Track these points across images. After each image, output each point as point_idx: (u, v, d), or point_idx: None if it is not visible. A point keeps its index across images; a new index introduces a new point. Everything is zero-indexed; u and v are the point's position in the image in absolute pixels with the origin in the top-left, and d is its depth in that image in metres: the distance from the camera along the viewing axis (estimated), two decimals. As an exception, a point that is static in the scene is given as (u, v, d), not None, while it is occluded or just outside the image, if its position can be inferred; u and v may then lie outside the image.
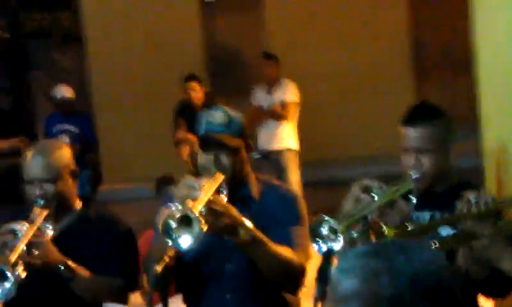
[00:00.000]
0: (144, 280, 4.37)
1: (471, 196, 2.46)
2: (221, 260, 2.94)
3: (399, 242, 1.55)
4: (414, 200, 2.58)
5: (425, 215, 2.72)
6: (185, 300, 3.03)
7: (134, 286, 3.05)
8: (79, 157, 8.07)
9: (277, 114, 7.82)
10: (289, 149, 7.81)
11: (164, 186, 5.08)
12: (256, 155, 7.48)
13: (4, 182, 12.00)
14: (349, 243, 2.37)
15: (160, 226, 2.52)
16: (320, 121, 10.86)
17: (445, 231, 2.56)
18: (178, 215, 2.52)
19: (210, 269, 2.95)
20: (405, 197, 2.57)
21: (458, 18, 4.64)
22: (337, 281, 1.37)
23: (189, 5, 11.42)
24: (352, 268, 1.36)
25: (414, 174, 2.71)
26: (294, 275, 2.88)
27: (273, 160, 7.70)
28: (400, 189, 2.59)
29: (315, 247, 2.42)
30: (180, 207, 2.54)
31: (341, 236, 2.34)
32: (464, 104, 4.36)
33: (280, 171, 7.48)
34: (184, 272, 2.97)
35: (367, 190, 2.55)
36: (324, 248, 2.39)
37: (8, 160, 15.08)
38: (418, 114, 2.83)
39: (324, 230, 2.39)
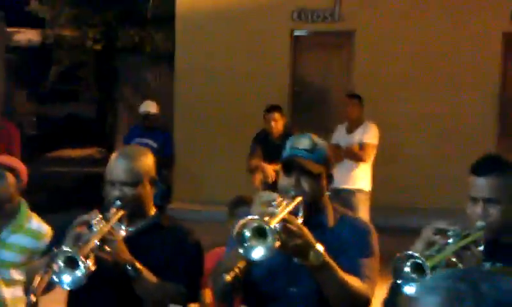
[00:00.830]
0: (206, 295, 4.40)
1: None
2: (287, 282, 2.95)
3: (484, 270, 1.54)
4: (481, 249, 2.55)
5: (486, 266, 2.67)
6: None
7: (195, 297, 3.08)
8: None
9: (354, 155, 7.80)
10: (361, 191, 7.78)
11: (238, 207, 5.09)
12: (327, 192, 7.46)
13: (80, 190, 12.36)
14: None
15: (234, 234, 2.55)
16: (399, 167, 10.80)
17: None
18: (253, 226, 2.54)
19: (274, 290, 2.96)
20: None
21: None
22: (420, 298, 1.38)
23: (281, 37, 11.56)
24: (437, 288, 1.37)
25: (481, 224, 2.71)
26: (358, 305, 2.86)
27: (344, 199, 7.66)
28: (472, 236, 2.57)
29: (399, 282, 2.39)
30: (256, 218, 2.56)
31: (429, 273, 2.31)
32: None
33: (350, 211, 7.41)
34: (250, 289, 2.99)
35: (440, 233, 2.54)
36: (410, 288, 2.36)
37: (83, 170, 15.52)
38: (488, 165, 2.82)
39: (407, 267, 2.38)
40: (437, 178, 10.44)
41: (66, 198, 10.08)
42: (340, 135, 8.11)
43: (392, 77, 11.01)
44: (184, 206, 11.00)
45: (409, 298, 2.41)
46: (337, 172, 7.87)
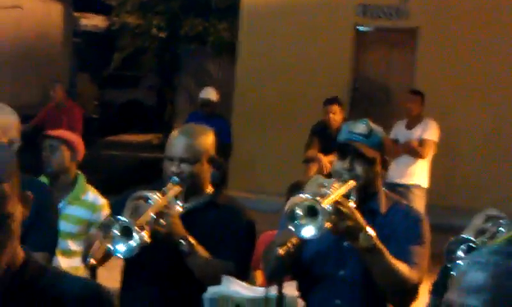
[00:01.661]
0: (257, 276, 4.44)
1: None
2: (336, 265, 2.98)
3: None
4: None
5: None
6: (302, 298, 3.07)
7: (244, 275, 3.12)
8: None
9: (413, 150, 7.75)
10: (418, 186, 7.73)
11: (296, 191, 5.10)
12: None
13: (137, 174, 12.56)
14: None
15: (286, 211, 2.57)
16: (457, 167, 10.68)
17: None
18: (305, 204, 2.56)
19: (324, 272, 2.99)
20: None
21: None
22: (466, 272, 1.37)
23: (344, 32, 11.53)
24: (485, 263, 1.35)
25: None
26: (406, 291, 2.87)
27: (400, 194, 7.57)
28: None
29: (450, 265, 2.39)
30: (308, 196, 2.58)
31: None
32: None
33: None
34: (300, 270, 3.01)
35: (491, 220, 2.53)
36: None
37: (141, 154, 15.76)
38: None
39: (460, 251, 2.37)
40: (495, 180, 10.27)
41: (122, 181, 10.25)
42: (399, 131, 8.07)
43: (454, 76, 10.87)
44: (238, 194, 11.05)
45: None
46: (394, 167, 7.90)
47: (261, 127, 11.68)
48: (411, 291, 2.88)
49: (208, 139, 3.28)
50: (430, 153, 7.81)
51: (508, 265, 1.34)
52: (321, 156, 7.76)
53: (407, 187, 7.73)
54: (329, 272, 2.98)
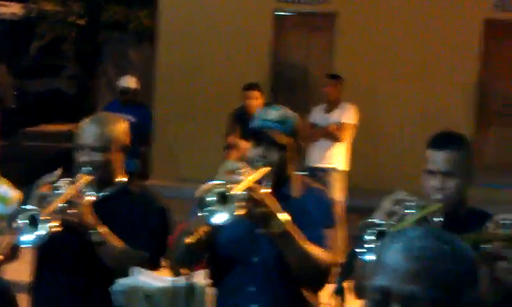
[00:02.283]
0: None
1: (501, 218, 2.45)
2: (250, 251, 2.97)
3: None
4: (440, 220, 2.59)
5: None
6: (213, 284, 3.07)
7: (158, 263, 3.09)
8: (131, 147, 8.29)
9: (331, 134, 7.83)
10: (337, 170, 7.81)
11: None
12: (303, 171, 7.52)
13: (56, 165, 12.30)
14: None
15: (197, 198, 2.55)
16: (377, 150, 10.88)
17: None
18: (216, 191, 2.55)
19: (237, 258, 2.98)
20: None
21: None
22: (397, 258, 1.43)
23: (264, 17, 11.54)
24: (415, 248, 1.44)
25: (438, 197, 2.76)
26: (319, 275, 2.89)
27: (319, 178, 7.69)
28: (430, 208, 2.60)
29: (359, 250, 2.41)
30: (220, 183, 2.57)
31: None
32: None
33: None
34: (214, 256, 3.01)
35: (399, 204, 2.57)
36: (370, 256, 2.38)
37: (61, 145, 15.47)
38: (445, 139, 2.88)
39: (369, 236, 2.40)
40: (414, 162, 10.47)
41: (42, 172, 10.04)
42: (318, 115, 8.13)
43: (373, 60, 11.04)
44: (161, 182, 10.98)
45: (366, 264, 2.45)
46: (314, 151, 8.00)
47: (183, 114, 11.61)
48: (325, 274, 2.90)
49: (119, 127, 3.23)
50: (348, 136, 7.90)
51: (439, 248, 1.42)
52: (242, 142, 7.75)
53: (326, 171, 7.81)
54: (242, 258, 2.97)
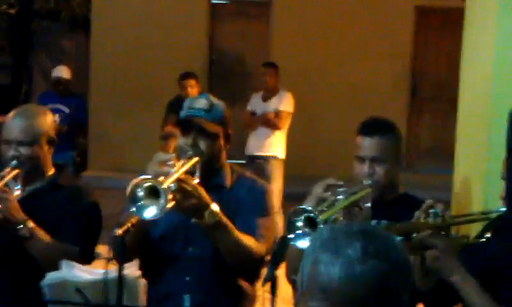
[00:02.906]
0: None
1: (429, 207, 2.50)
2: (184, 243, 2.96)
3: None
4: (369, 206, 2.63)
5: (372, 224, 2.75)
6: (146, 277, 3.04)
7: (89, 257, 3.05)
8: (66, 138, 8.17)
9: (269, 122, 7.85)
10: (276, 158, 7.84)
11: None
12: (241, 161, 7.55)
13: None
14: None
15: (127, 193, 2.53)
16: (312, 137, 10.97)
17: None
18: (146, 185, 2.52)
19: (172, 250, 2.98)
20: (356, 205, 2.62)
21: (455, 56, 4.71)
22: (339, 285, 1.42)
23: (199, 5, 11.49)
24: (359, 274, 1.42)
25: (367, 182, 2.81)
26: (253, 264, 2.90)
27: (258, 166, 7.72)
28: (359, 193, 2.64)
29: (291, 236, 2.42)
30: (149, 178, 2.54)
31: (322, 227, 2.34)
32: (452, 140, 4.43)
33: (264, 178, 7.46)
34: (149, 248, 2.99)
35: (330, 190, 2.59)
36: (302, 241, 2.39)
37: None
38: (374, 125, 2.94)
39: (300, 222, 2.41)
40: (348, 149, 10.58)
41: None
42: (255, 103, 8.13)
43: (308, 47, 11.11)
44: (99, 173, 10.88)
45: (298, 250, 2.47)
46: (252, 139, 8.01)
47: (119, 104, 11.49)
48: (259, 263, 2.91)
49: (46, 120, 3.17)
50: (286, 124, 7.94)
51: (380, 270, 1.42)
52: (178, 132, 7.71)
53: (265, 159, 7.82)
54: (177, 250, 2.96)
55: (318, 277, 1.41)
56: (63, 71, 8.78)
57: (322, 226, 2.36)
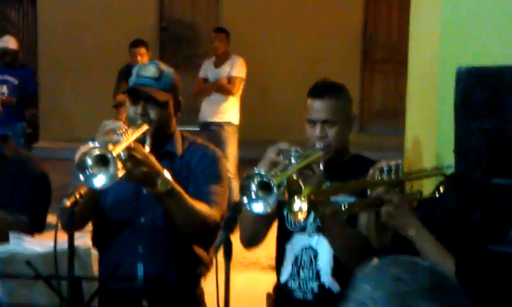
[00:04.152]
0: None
1: (384, 164, 2.51)
2: (136, 211, 2.93)
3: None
4: (322, 168, 2.63)
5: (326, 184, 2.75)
6: (97, 246, 3.01)
7: (40, 227, 3.01)
8: (16, 110, 8.04)
9: (222, 88, 7.82)
10: (229, 124, 7.82)
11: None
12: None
13: None
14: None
15: (76, 162, 2.48)
16: (265, 102, 10.97)
17: (348, 199, 2.64)
18: (95, 153, 2.48)
19: (124, 219, 2.94)
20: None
21: (406, 18, 4.73)
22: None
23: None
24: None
25: (319, 145, 2.81)
26: (207, 231, 2.88)
27: (212, 133, 7.70)
28: (312, 156, 2.64)
29: (245, 201, 2.40)
30: (98, 146, 2.50)
31: (276, 191, 2.33)
32: (404, 101, 4.46)
33: (219, 144, 7.47)
34: (100, 218, 2.96)
35: (283, 154, 2.58)
36: (257, 205, 2.38)
37: None
38: (324, 88, 2.93)
39: (254, 186, 2.39)
40: (301, 113, 10.62)
41: None
42: (208, 70, 8.08)
43: (259, 12, 11.05)
44: (52, 144, 10.76)
45: (251, 215, 2.46)
46: (205, 106, 7.98)
47: (69, 74, 11.32)
48: (213, 229, 2.89)
49: None
50: (239, 89, 7.91)
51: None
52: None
53: (219, 125, 7.80)
54: (129, 219, 2.93)
55: None
56: (9, 42, 8.59)
57: (275, 189, 2.34)
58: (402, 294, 1.16)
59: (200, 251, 3.00)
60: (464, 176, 1.76)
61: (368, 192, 2.54)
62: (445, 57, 3.38)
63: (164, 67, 2.98)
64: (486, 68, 1.74)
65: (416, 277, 1.19)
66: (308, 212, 2.33)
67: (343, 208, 2.47)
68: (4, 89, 8.14)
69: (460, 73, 1.79)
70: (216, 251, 2.33)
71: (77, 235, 2.45)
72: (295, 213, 2.32)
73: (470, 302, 1.22)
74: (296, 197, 2.31)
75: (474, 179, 1.71)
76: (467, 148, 1.74)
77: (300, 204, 2.29)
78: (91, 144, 2.51)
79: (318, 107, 2.87)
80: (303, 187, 2.30)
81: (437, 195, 2.69)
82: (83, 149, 2.50)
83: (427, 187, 2.98)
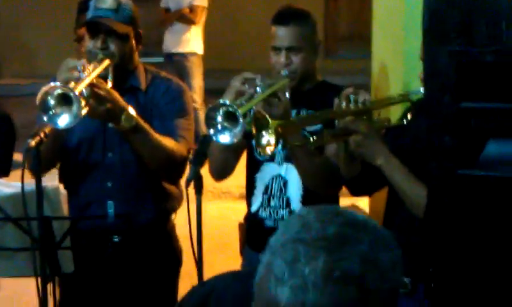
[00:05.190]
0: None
1: (350, 93, 2.50)
2: (103, 149, 2.89)
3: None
4: (288, 96, 2.61)
5: (292, 114, 2.74)
6: (66, 185, 2.97)
7: (6, 168, 2.97)
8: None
9: (184, 17, 7.69)
10: (194, 53, 7.72)
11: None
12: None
13: None
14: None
15: (37, 102, 2.42)
16: (229, 31, 10.83)
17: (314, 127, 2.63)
18: (57, 93, 2.42)
19: (92, 157, 2.90)
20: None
21: None
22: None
23: None
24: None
25: (285, 72, 2.78)
26: (174, 165, 2.86)
27: (177, 63, 7.61)
28: (277, 84, 2.62)
29: (211, 132, 2.38)
30: (59, 85, 2.44)
31: (242, 121, 2.31)
32: (369, 25, 4.41)
33: (184, 75, 7.39)
34: (67, 157, 2.92)
35: (248, 83, 2.55)
36: (223, 136, 2.35)
37: None
38: (289, 14, 2.88)
39: (219, 117, 2.37)
40: (267, 40, 10.53)
41: None
42: (170, -1, 7.93)
43: None
44: (14, 81, 10.61)
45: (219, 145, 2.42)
46: (168, 37, 7.85)
47: (29, 6, 11.05)
48: (181, 164, 2.87)
49: None
50: (201, 17, 7.78)
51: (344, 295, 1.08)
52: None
53: (184, 55, 7.69)
54: (96, 156, 2.89)
55: (266, 291, 1.11)
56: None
57: (241, 119, 2.32)
58: (299, 240, 1.10)
59: (169, 186, 2.98)
60: (433, 101, 1.74)
61: (336, 122, 2.53)
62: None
63: None
64: (454, -11, 1.71)
65: (324, 227, 1.11)
66: (276, 144, 2.31)
67: (311, 140, 2.46)
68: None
69: (428, -6, 1.75)
70: (187, 185, 2.32)
71: (45, 175, 2.42)
72: (263, 147, 2.30)
73: (394, 256, 1.13)
74: (263, 131, 2.28)
75: (443, 103, 1.70)
76: (436, 71, 1.72)
77: (268, 138, 2.27)
78: (52, 84, 2.45)
79: (282, 34, 2.83)
80: (269, 121, 2.28)
81: (404, 122, 2.69)
82: (44, 88, 2.45)
83: (395, 113, 2.98)
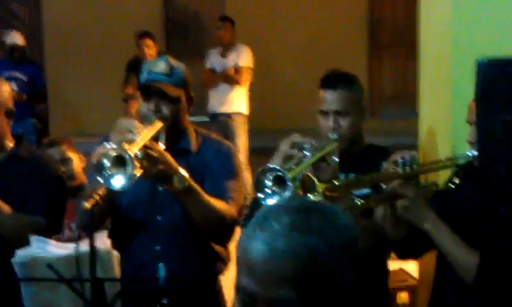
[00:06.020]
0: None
1: (398, 157, 2.51)
2: (154, 210, 2.92)
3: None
4: (337, 160, 2.62)
5: (340, 177, 2.75)
6: (116, 246, 3.00)
7: (57, 227, 3.01)
8: (26, 106, 8.03)
9: (230, 78, 7.80)
10: (239, 114, 7.80)
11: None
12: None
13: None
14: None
15: (94, 163, 2.48)
16: (273, 91, 10.93)
17: (363, 191, 2.64)
18: (112, 154, 2.48)
19: (141, 218, 2.93)
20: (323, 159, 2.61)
21: (411, 1, 4.71)
22: (262, 261, 1.28)
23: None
24: (282, 250, 1.28)
25: (333, 136, 2.81)
26: (225, 227, 2.88)
27: (222, 123, 7.70)
28: (326, 148, 2.64)
29: (260, 196, 2.40)
30: (115, 147, 2.50)
31: (291, 185, 2.33)
32: (413, 85, 4.43)
33: (228, 135, 7.47)
34: (118, 218, 2.96)
35: (297, 147, 2.58)
36: (272, 200, 2.38)
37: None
38: (336, 78, 2.91)
39: (268, 181, 2.39)
40: (310, 100, 10.59)
41: None
42: (214, 60, 8.06)
43: (264, 1, 11.00)
44: (61, 139, 10.74)
45: None
46: (214, 97, 7.96)
47: (77, 67, 11.31)
48: (231, 226, 2.89)
49: (2, 91, 3.06)
50: (247, 79, 7.88)
51: (306, 245, 1.26)
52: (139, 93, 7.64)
53: (228, 116, 7.79)
54: (146, 218, 2.92)
55: (245, 254, 1.28)
56: (16, 38, 8.57)
57: (290, 183, 2.34)
58: (266, 211, 1.32)
59: (218, 247, 2.99)
60: (487, 170, 1.75)
61: (383, 186, 2.54)
62: (458, 39, 3.36)
63: (174, 62, 2.96)
64: (507, 59, 1.72)
65: (288, 203, 1.35)
66: None
67: (359, 203, 2.46)
68: (13, 86, 8.14)
69: (480, 65, 1.77)
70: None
71: (96, 236, 2.45)
72: None
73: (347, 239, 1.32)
74: (310, 194, 2.30)
75: (497, 173, 1.70)
76: (490, 141, 1.73)
77: None
78: (107, 146, 2.51)
79: (330, 98, 2.86)
80: (317, 184, 2.30)
81: (452, 186, 2.68)
82: (100, 150, 2.50)
83: (442, 177, 2.97)
